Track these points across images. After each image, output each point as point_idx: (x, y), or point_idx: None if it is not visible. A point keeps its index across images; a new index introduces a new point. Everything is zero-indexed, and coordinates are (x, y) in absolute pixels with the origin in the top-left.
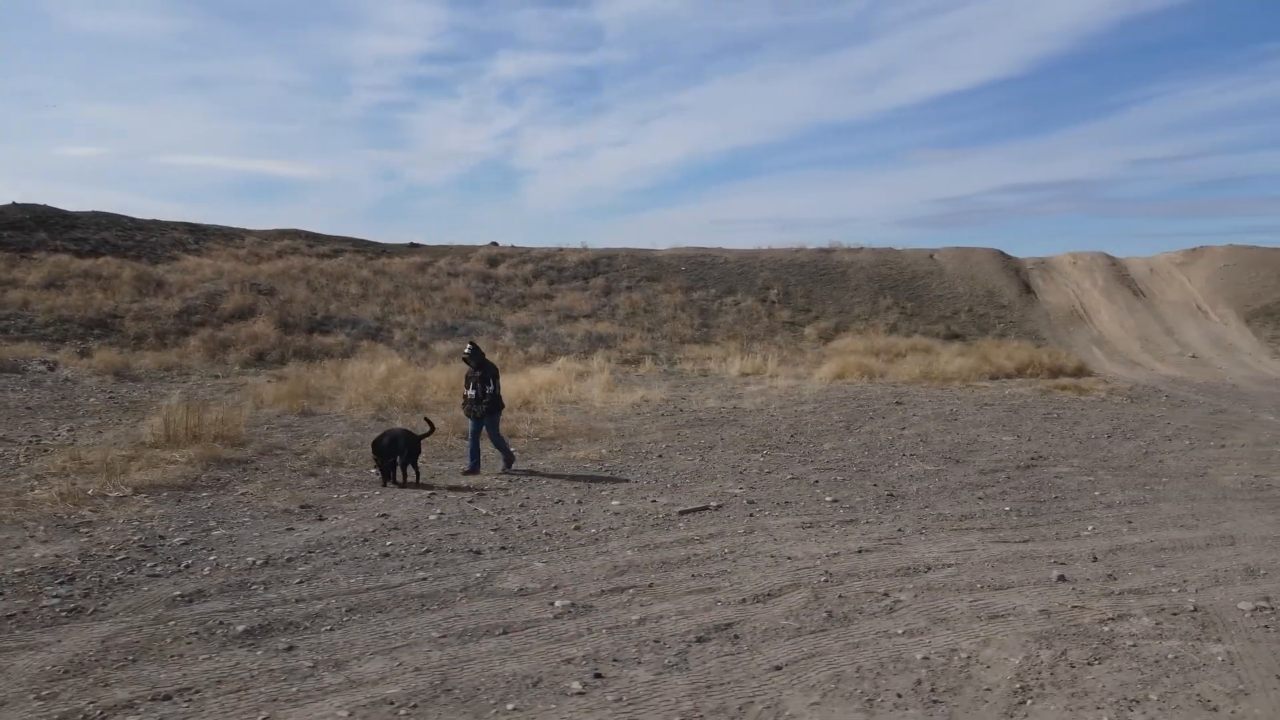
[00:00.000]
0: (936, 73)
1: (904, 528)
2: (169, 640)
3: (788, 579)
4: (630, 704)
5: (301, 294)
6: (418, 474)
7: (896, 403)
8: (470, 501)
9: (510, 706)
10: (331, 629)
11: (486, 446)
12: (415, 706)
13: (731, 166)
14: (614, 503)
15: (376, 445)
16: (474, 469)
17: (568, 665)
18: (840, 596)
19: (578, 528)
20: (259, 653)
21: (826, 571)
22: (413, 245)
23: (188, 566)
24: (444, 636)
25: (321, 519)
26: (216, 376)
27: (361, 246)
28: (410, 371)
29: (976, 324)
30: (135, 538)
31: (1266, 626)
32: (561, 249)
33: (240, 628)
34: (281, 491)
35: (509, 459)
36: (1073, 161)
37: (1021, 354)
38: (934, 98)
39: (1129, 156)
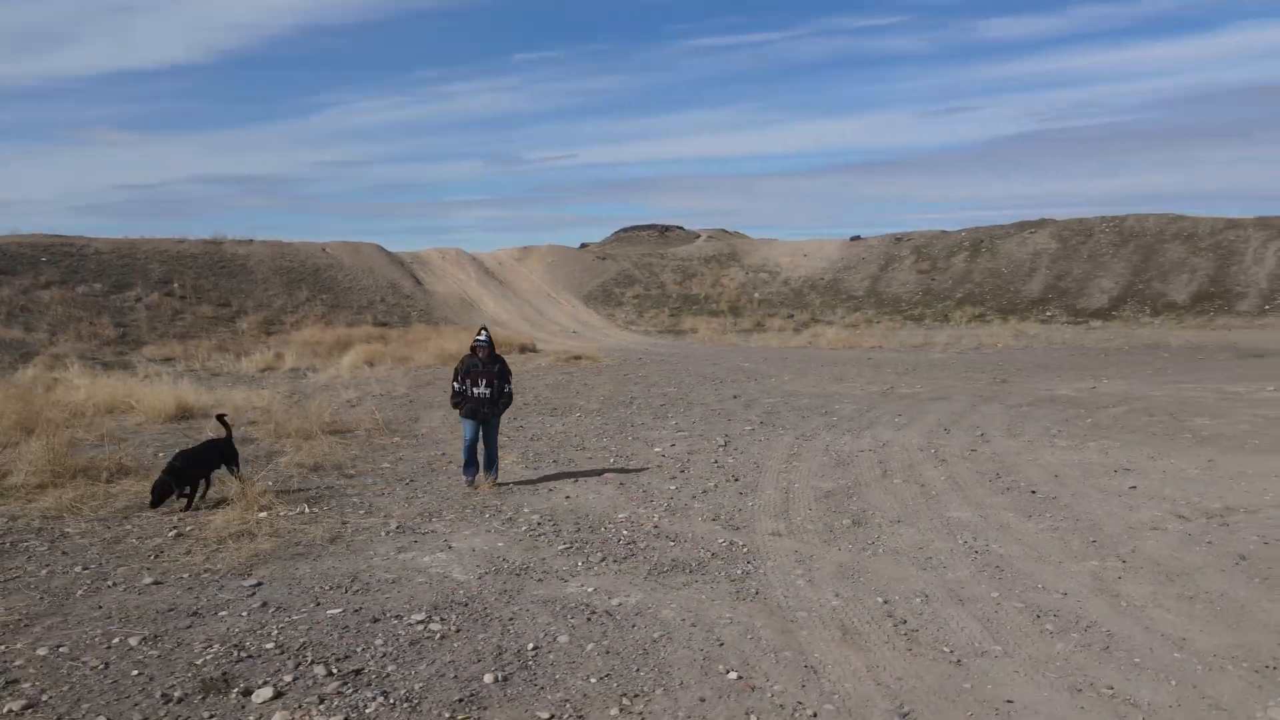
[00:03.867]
0: (113, 45)
1: (897, 436)
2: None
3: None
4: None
5: None
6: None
7: None
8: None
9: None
10: (932, 517)
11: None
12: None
13: None
14: (992, 446)
15: (189, 460)
16: (475, 477)
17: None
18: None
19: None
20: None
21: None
22: None
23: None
24: (1021, 506)
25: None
26: None
27: None
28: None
29: (394, 313)
30: (520, 529)
31: (1129, 411)
32: None
33: (845, 521)
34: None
35: (496, 466)
36: (266, 157)
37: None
38: (112, 73)
39: (319, 158)
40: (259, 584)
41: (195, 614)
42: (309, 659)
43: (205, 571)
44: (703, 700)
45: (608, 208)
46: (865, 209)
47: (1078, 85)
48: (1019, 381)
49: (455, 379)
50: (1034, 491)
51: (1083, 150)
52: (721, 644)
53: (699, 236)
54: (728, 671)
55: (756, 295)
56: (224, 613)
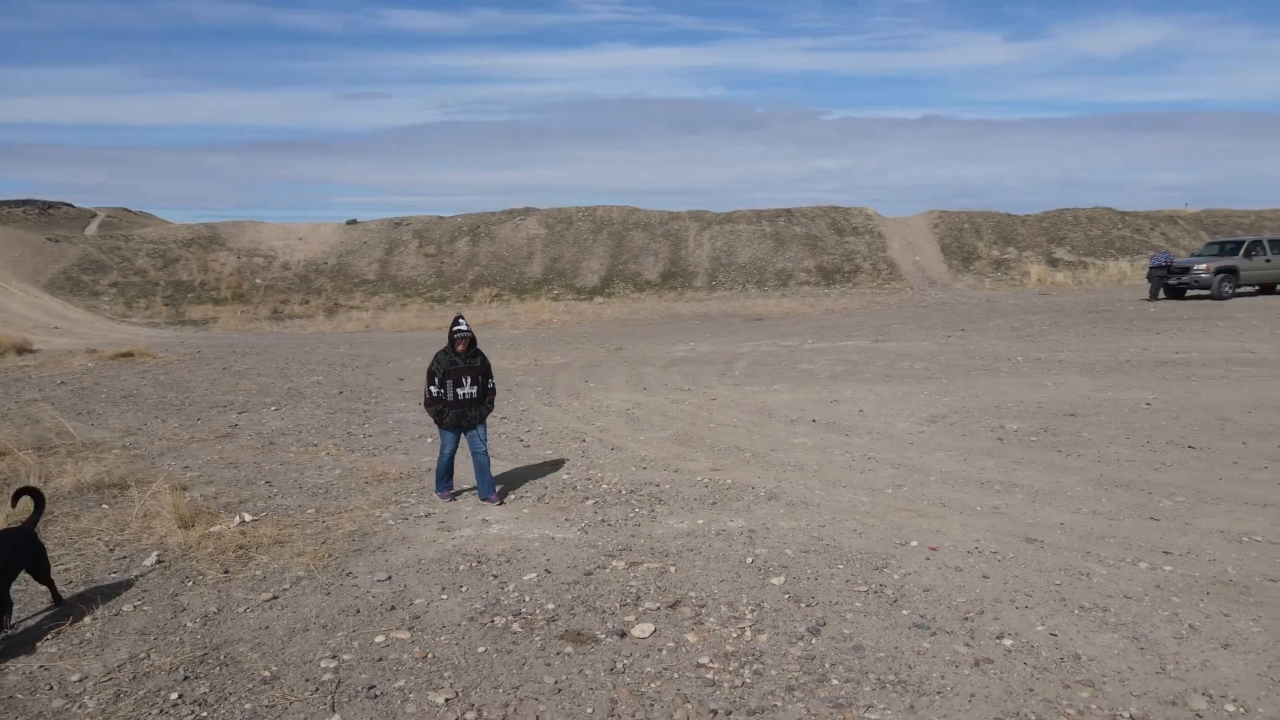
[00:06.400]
0: None
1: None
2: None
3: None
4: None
5: None
6: (54, 589)
7: (81, 381)
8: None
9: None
10: (794, 445)
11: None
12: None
13: None
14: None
15: None
16: (452, 490)
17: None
18: (834, 420)
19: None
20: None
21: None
22: None
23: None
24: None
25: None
26: None
27: None
28: None
29: None
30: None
31: (750, 364)
32: None
33: (752, 454)
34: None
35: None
36: None
37: None
38: None
39: None
40: (388, 578)
41: (392, 608)
42: (613, 605)
43: (302, 578)
44: (927, 559)
45: None
46: (286, 188)
47: (480, 83)
48: (631, 348)
49: (431, 382)
50: (814, 420)
51: (483, 143)
52: (861, 534)
53: (95, 216)
54: (905, 542)
55: (258, 280)
56: (418, 600)
